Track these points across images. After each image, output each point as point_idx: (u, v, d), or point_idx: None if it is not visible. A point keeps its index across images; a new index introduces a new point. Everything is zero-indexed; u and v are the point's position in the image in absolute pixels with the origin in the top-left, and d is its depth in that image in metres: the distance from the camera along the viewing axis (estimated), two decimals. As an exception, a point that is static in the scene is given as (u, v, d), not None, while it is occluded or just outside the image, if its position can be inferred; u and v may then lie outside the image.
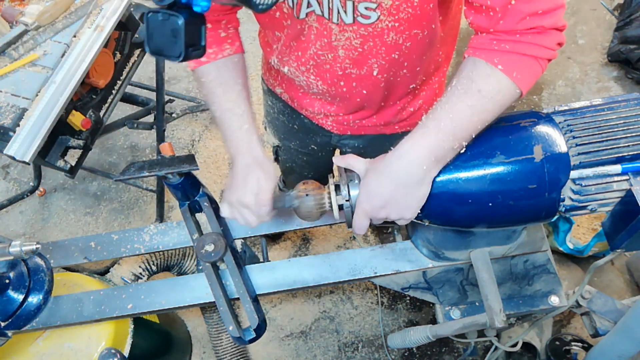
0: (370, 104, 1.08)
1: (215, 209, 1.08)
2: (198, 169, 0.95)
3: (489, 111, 0.76)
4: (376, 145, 1.22)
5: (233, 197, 0.91)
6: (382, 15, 0.82)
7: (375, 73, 0.96)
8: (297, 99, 1.16)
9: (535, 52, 0.76)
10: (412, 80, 1.03)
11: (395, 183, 0.78)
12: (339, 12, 0.84)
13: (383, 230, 2.18)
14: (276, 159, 1.56)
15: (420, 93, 1.12)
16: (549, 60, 0.79)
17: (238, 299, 1.01)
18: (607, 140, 0.79)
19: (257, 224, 0.92)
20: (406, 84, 1.04)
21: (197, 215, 1.10)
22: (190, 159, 0.96)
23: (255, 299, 1.02)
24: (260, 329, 0.98)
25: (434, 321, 1.31)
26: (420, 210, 0.82)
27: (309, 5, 0.85)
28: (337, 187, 0.86)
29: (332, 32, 0.88)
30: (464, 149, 0.78)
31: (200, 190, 1.07)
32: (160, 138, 2.07)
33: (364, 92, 1.02)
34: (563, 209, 0.81)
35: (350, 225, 0.88)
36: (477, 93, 0.75)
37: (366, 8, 0.81)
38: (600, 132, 0.80)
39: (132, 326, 1.39)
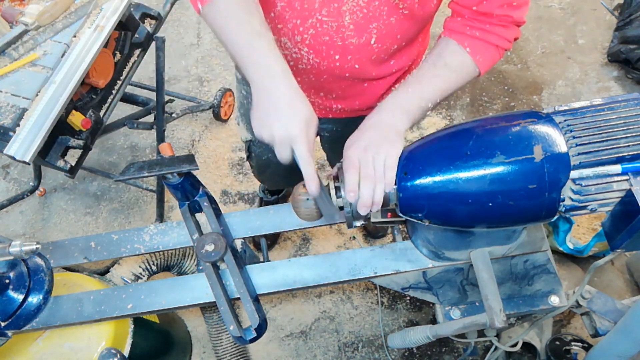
0: (356, 81, 1.07)
1: (215, 208, 1.08)
2: (198, 169, 0.95)
3: (451, 81, 0.91)
4: (354, 128, 1.22)
5: (277, 125, 0.79)
6: None
7: (372, 41, 0.96)
8: None
9: (499, 42, 0.93)
10: (398, 59, 1.06)
11: (373, 128, 0.86)
12: None
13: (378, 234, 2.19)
14: (248, 157, 1.53)
15: (400, 80, 1.14)
16: (507, 50, 0.96)
17: (238, 298, 1.01)
18: (607, 140, 0.79)
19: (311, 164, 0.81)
20: (390, 59, 1.05)
21: (197, 215, 1.10)
22: (190, 159, 0.96)
23: (256, 299, 1.02)
24: (261, 329, 0.98)
25: (434, 321, 1.31)
26: (421, 210, 0.82)
27: None
28: (338, 189, 0.86)
29: None
30: (466, 149, 0.78)
31: (200, 190, 1.07)
32: (160, 138, 2.07)
33: (357, 66, 1.01)
34: (563, 209, 0.81)
35: (350, 226, 0.88)
36: (444, 66, 0.91)
37: None
38: (600, 132, 0.80)
39: (132, 326, 1.39)
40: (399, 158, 0.84)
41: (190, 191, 1.05)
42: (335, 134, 1.32)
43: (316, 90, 1.11)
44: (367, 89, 1.11)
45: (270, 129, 0.79)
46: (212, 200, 1.08)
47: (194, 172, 1.02)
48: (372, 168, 0.81)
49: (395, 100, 0.89)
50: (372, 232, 2.19)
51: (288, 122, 0.78)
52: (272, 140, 0.80)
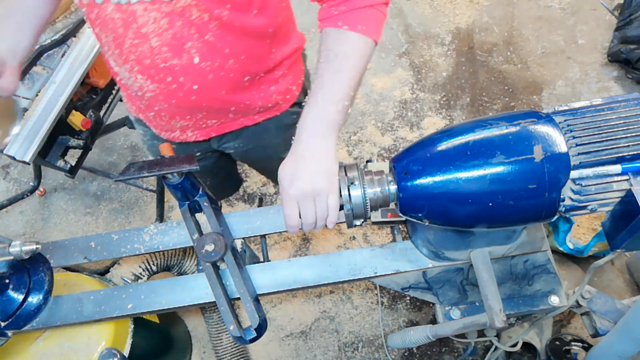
0: (209, 102, 1.04)
1: (215, 208, 1.08)
2: (198, 169, 0.95)
3: (353, 68, 0.85)
4: (258, 140, 1.20)
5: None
6: None
7: (196, 61, 0.93)
8: (143, 112, 1.13)
9: (369, 2, 0.86)
10: (244, 72, 1.02)
11: (305, 161, 0.82)
12: None
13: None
14: None
15: (257, 88, 1.10)
16: (387, 5, 0.89)
17: (238, 298, 1.01)
18: (607, 140, 0.79)
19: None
20: (238, 76, 1.01)
21: (197, 215, 1.09)
22: (190, 159, 0.96)
23: (256, 299, 1.02)
24: (261, 329, 0.98)
25: (434, 321, 1.31)
26: (421, 210, 0.82)
27: None
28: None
29: (136, 15, 0.86)
30: (463, 148, 0.78)
31: (200, 190, 1.07)
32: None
33: (195, 87, 0.99)
34: (563, 209, 0.81)
35: (350, 225, 0.88)
36: (335, 58, 0.85)
37: None
38: (600, 132, 0.80)
39: (132, 326, 1.39)
40: (399, 158, 0.84)
41: (190, 191, 1.04)
42: (240, 151, 1.28)
43: (190, 112, 1.08)
44: (230, 103, 1.08)
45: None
46: (212, 200, 1.08)
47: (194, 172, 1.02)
48: (313, 216, 0.84)
49: (313, 117, 0.84)
50: None
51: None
52: None
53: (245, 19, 0.92)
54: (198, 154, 1.28)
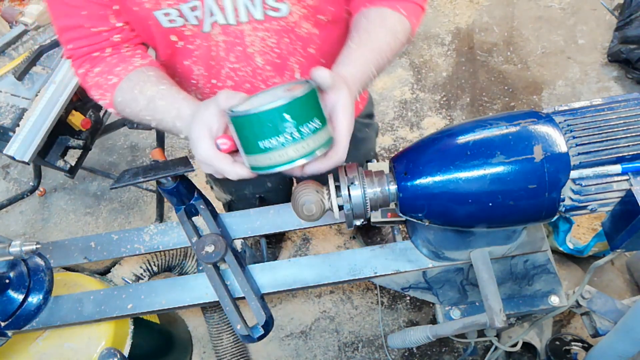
0: None
1: (212, 210, 1.08)
2: (193, 170, 0.94)
3: (398, 44, 0.86)
4: None
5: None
6: (291, 4, 0.82)
7: (297, 76, 0.94)
8: None
9: (422, 2, 0.90)
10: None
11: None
12: (247, 9, 0.82)
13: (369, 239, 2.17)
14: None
15: None
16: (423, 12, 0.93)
17: (241, 298, 1.01)
18: (607, 140, 0.79)
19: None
20: None
21: (194, 218, 1.09)
22: (184, 161, 0.95)
23: (261, 297, 1.02)
24: (268, 325, 0.97)
25: (434, 321, 1.31)
26: (421, 210, 0.82)
27: (211, 14, 0.82)
28: (338, 188, 0.86)
29: (244, 36, 0.85)
30: (467, 152, 0.78)
31: (195, 193, 1.07)
32: (160, 138, 2.07)
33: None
34: (563, 209, 0.81)
35: (350, 225, 0.88)
36: (392, 33, 0.85)
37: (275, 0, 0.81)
38: (600, 132, 0.80)
39: (132, 326, 1.39)
40: (399, 158, 0.84)
41: (185, 195, 1.04)
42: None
43: None
44: None
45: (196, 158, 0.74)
46: (207, 203, 1.08)
47: (188, 176, 1.02)
48: None
49: (359, 72, 0.80)
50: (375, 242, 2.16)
51: (194, 141, 0.72)
52: (201, 165, 0.74)
53: (341, 22, 0.92)
54: None
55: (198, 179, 2.40)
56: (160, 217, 2.22)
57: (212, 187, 1.44)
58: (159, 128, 0.83)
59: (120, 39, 0.87)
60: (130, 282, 1.66)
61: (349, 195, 0.83)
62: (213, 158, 0.70)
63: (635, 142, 0.78)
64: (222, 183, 1.35)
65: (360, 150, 1.39)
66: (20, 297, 1.07)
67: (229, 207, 1.49)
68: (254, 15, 0.82)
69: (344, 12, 0.93)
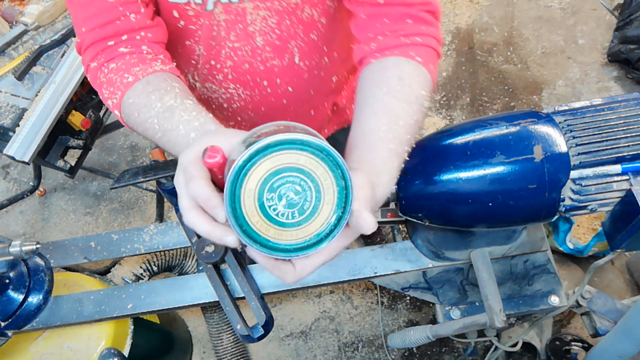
0: (297, 105, 1.03)
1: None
2: None
3: (424, 114, 0.71)
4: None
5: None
6: None
7: (297, 60, 0.92)
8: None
9: (437, 46, 0.77)
10: (333, 71, 1.01)
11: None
12: None
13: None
14: None
15: (341, 90, 1.11)
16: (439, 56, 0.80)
17: (241, 298, 1.01)
18: (607, 140, 0.79)
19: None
20: (328, 75, 1.01)
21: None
22: None
23: (261, 297, 1.02)
24: (269, 325, 0.97)
25: (434, 321, 1.31)
26: (421, 210, 0.82)
27: None
28: None
29: (246, 14, 0.83)
30: (467, 153, 0.78)
31: None
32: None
33: (290, 89, 0.97)
34: (563, 209, 0.81)
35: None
36: (415, 100, 0.70)
37: None
38: (600, 132, 0.80)
39: (132, 326, 1.39)
40: None
41: (185, 194, 1.04)
42: None
43: (275, 119, 1.08)
44: (312, 111, 1.07)
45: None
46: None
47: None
48: None
49: (394, 172, 0.67)
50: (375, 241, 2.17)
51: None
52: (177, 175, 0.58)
53: (343, 11, 0.87)
54: None
55: (198, 179, 2.40)
56: (160, 217, 2.22)
57: None
58: (159, 141, 0.71)
59: (136, 21, 0.79)
60: (130, 282, 1.66)
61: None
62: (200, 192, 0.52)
63: (635, 142, 0.78)
64: None
65: None
66: (20, 297, 1.07)
67: None
68: None
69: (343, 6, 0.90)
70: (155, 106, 0.70)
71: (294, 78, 0.96)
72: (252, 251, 0.50)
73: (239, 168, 0.47)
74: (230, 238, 0.50)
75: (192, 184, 0.51)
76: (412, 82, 0.70)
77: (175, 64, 0.82)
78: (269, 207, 0.49)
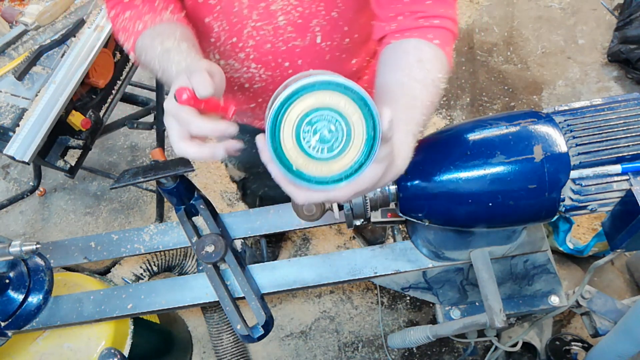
0: None
1: (212, 210, 1.08)
2: (193, 170, 0.94)
3: (440, 94, 0.73)
4: None
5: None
6: None
7: (319, 40, 0.93)
8: (243, 110, 1.12)
9: (454, 28, 0.78)
10: (354, 53, 1.01)
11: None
12: None
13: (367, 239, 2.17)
14: (244, 195, 1.50)
15: (362, 76, 1.10)
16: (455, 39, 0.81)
17: (241, 298, 1.01)
18: (607, 140, 0.79)
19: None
20: (349, 57, 1.01)
21: (194, 218, 1.09)
22: (184, 161, 0.95)
23: (261, 297, 1.02)
24: (268, 325, 0.98)
25: (434, 321, 1.31)
26: (421, 210, 0.82)
27: None
28: None
29: None
30: (468, 152, 0.78)
31: (195, 193, 1.07)
32: (160, 138, 2.07)
33: (311, 70, 0.98)
34: (563, 209, 0.81)
35: (350, 225, 0.88)
36: (432, 83, 0.72)
37: None
38: (600, 132, 0.80)
39: (132, 326, 1.39)
40: None
41: (185, 195, 1.04)
42: None
43: None
44: None
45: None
46: (207, 203, 1.08)
47: (188, 176, 1.02)
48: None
49: (412, 135, 0.68)
50: (370, 240, 2.17)
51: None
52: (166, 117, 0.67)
53: None
54: None
55: (198, 179, 2.40)
56: (160, 217, 2.22)
57: (226, 165, 1.43)
58: (162, 79, 0.80)
59: None
60: (130, 282, 1.66)
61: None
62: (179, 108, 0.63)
63: (635, 142, 0.78)
64: (236, 159, 1.33)
65: None
66: (20, 297, 1.07)
67: (243, 186, 1.47)
68: None
69: None
70: (157, 49, 0.79)
71: (316, 59, 0.97)
72: (277, 170, 0.56)
73: (287, 97, 0.52)
74: (207, 150, 0.64)
75: (181, 115, 0.62)
76: (431, 65, 0.73)
77: (184, 12, 0.88)
78: (304, 138, 0.54)
